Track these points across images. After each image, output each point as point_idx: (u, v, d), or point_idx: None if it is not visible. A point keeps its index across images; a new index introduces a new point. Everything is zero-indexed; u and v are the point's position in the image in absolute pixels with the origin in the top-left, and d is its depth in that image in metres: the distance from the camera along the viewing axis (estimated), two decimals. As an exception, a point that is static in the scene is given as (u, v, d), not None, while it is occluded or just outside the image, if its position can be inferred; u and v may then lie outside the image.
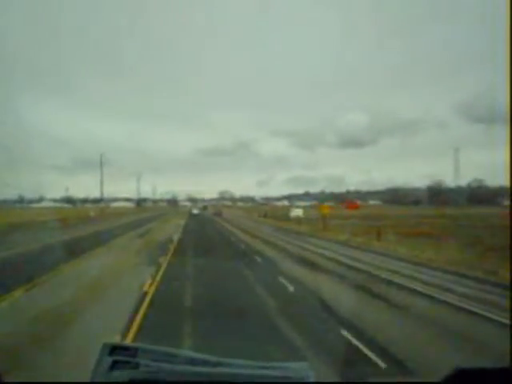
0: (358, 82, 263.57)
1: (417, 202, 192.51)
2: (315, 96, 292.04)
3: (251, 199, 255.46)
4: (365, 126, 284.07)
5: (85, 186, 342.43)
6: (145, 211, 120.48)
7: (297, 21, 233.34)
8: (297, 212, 69.30)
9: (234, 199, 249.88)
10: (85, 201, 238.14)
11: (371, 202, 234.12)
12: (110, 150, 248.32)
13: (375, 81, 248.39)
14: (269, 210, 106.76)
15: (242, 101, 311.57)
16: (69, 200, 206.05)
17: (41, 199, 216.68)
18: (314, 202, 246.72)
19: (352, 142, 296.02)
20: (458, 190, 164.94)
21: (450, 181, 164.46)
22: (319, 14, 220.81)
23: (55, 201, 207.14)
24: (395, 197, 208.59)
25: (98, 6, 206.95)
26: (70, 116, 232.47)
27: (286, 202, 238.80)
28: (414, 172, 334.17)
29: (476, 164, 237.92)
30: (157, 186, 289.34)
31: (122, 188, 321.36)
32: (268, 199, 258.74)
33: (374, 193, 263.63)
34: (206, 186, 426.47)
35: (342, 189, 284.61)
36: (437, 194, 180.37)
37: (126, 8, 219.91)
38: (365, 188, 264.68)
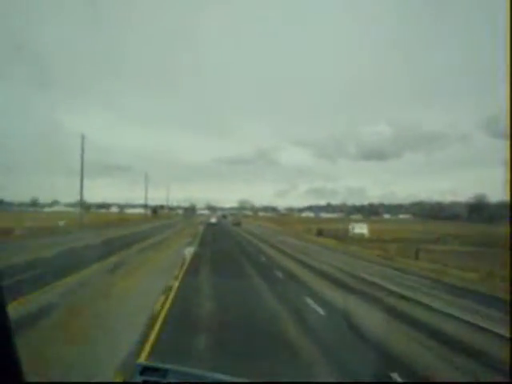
0: (382, 94, 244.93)
1: (453, 218, 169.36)
2: (338, 106, 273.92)
3: (273, 209, 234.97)
4: (387, 139, 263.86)
5: (102, 191, 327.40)
6: (157, 219, 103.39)
7: (322, 31, 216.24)
8: (360, 229, 48.86)
9: (254, 209, 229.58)
10: (100, 206, 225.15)
11: (401, 217, 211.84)
12: (131, 156, 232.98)
13: (399, 93, 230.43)
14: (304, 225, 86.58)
15: (264, 110, 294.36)
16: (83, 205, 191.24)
17: (54, 203, 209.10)
18: (339, 214, 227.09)
19: (374, 155, 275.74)
20: (498, 206, 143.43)
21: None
22: (344, 24, 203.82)
23: (69, 205, 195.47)
24: (430, 211, 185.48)
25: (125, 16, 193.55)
26: (92, 120, 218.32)
27: (310, 214, 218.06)
28: (437, 186, 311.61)
29: (500, 180, 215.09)
30: (176, 193, 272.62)
31: (141, 194, 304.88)
32: (291, 210, 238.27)
33: (398, 206, 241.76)
34: (226, 195, 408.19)
35: (362, 201, 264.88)
36: (477, 210, 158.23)
37: (140, 15, 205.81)
38: (385, 201, 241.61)
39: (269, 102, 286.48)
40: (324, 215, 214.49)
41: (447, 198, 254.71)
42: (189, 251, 25.12)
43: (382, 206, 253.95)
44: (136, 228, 55.55)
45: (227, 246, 33.19)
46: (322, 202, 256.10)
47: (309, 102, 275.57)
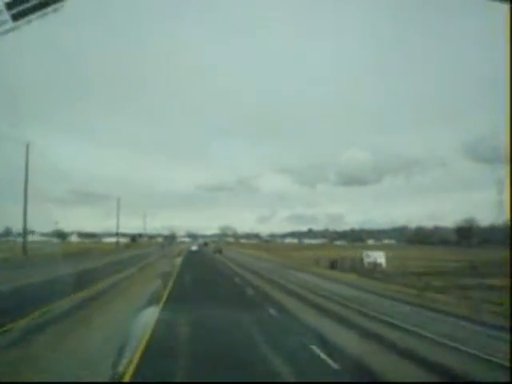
0: (361, 120, 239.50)
1: (444, 243, 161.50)
2: (318, 132, 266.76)
3: (255, 236, 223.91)
4: (366, 164, 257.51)
5: (80, 220, 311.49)
6: (130, 248, 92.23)
7: (298, 56, 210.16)
8: (378, 258, 38.77)
9: (236, 235, 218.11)
10: (78, 235, 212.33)
11: (385, 242, 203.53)
12: (109, 183, 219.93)
13: (378, 119, 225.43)
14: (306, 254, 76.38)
15: (243, 136, 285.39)
16: (59, 234, 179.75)
17: (30, 232, 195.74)
18: (322, 240, 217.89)
19: (353, 180, 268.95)
20: (490, 230, 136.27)
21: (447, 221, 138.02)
22: (320, 50, 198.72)
23: (44, 235, 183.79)
24: (415, 236, 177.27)
25: (97, 34, 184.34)
26: (68, 147, 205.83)
27: (293, 240, 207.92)
28: (418, 211, 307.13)
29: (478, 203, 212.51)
30: (156, 221, 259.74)
31: (120, 223, 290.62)
32: (274, 236, 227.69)
33: (380, 232, 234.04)
34: (207, 222, 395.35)
35: (341, 227, 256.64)
36: (467, 234, 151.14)
37: (124, 35, 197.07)
38: (365, 227, 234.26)
39: (249, 129, 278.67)
40: (307, 241, 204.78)
41: (427, 223, 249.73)
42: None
43: (364, 231, 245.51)
44: (94, 262, 42.73)
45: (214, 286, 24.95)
46: (304, 228, 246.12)
47: (288, 128, 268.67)
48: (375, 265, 37.93)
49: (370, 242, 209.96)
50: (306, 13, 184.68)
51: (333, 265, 37.87)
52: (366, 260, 38.82)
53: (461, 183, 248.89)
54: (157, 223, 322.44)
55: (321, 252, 76.12)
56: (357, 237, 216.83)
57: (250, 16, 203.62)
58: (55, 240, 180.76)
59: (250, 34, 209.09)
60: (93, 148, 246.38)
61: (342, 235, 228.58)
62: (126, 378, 8.38)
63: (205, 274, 32.39)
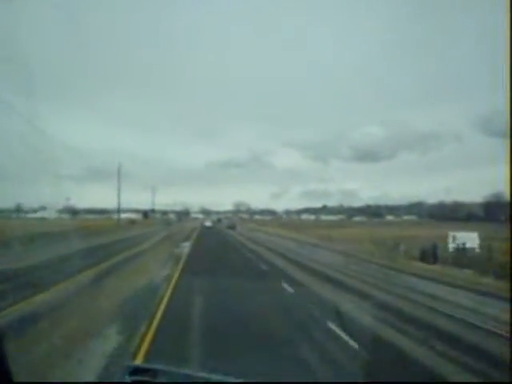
0: (374, 95, 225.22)
1: (468, 218, 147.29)
2: (331, 108, 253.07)
3: (269, 212, 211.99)
4: (380, 140, 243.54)
5: (93, 196, 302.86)
6: (138, 226, 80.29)
7: (313, 33, 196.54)
8: (466, 239, 26.24)
9: (251, 211, 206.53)
10: (89, 211, 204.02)
11: (405, 218, 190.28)
12: (123, 160, 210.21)
13: (392, 94, 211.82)
14: (332, 231, 64.05)
15: (255, 112, 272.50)
16: (71, 210, 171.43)
17: (42, 208, 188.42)
18: (339, 216, 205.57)
19: (367, 156, 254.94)
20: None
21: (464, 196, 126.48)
22: (336, 27, 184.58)
23: (58, 211, 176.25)
24: (441, 212, 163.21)
25: (114, 21, 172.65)
26: (83, 125, 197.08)
27: (311, 216, 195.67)
28: (431, 187, 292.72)
29: (492, 178, 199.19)
30: (170, 197, 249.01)
31: (133, 199, 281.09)
32: (289, 212, 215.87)
33: (397, 207, 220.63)
34: (220, 198, 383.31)
35: (354, 203, 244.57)
36: (495, 210, 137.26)
37: (127, 16, 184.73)
38: (379, 202, 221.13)
39: (261, 105, 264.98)
40: (324, 218, 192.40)
41: (443, 198, 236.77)
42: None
43: (381, 207, 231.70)
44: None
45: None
46: (317, 204, 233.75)
47: (300, 103, 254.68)
48: (463, 250, 25.77)
49: (389, 218, 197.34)
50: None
51: (424, 254, 25.22)
52: (452, 244, 26.52)
53: (475, 158, 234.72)
54: (170, 199, 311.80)
55: (362, 231, 63.36)
56: (375, 213, 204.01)
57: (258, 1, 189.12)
58: (65, 216, 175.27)
59: (262, 17, 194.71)
60: (108, 126, 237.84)
61: (360, 211, 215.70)
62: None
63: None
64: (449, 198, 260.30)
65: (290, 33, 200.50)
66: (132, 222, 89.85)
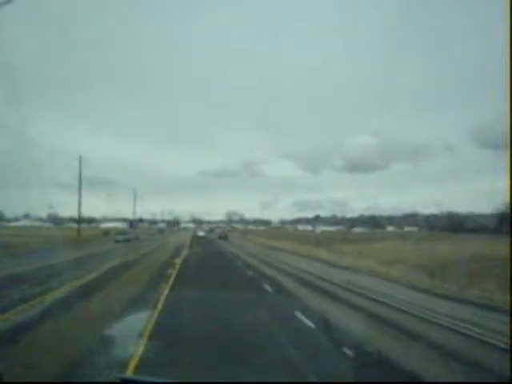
0: (366, 105, 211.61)
1: (478, 230, 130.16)
2: (323, 118, 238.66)
3: (264, 222, 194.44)
4: (372, 151, 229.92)
5: (86, 205, 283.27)
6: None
7: (307, 42, 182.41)
8: None
9: (244, 221, 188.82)
10: (76, 220, 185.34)
11: (407, 229, 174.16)
12: (114, 169, 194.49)
13: (385, 104, 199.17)
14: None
15: (248, 122, 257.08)
16: (53, 219, 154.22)
17: (26, 217, 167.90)
18: (336, 227, 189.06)
19: (358, 166, 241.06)
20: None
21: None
22: (329, 36, 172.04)
23: (40, 219, 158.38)
24: (450, 223, 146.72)
25: (106, 26, 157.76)
26: (73, 133, 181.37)
27: (308, 227, 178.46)
28: (423, 198, 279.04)
29: (484, 190, 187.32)
30: (160, 206, 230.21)
31: (123, 208, 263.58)
32: (283, 222, 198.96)
33: (389, 218, 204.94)
34: (212, 208, 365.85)
35: (347, 213, 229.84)
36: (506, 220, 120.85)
37: (126, 26, 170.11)
38: (371, 213, 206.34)
39: (253, 114, 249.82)
40: (322, 228, 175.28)
41: (435, 210, 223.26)
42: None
43: (377, 217, 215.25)
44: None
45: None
46: (308, 214, 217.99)
47: (293, 113, 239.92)
48: None
49: (390, 229, 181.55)
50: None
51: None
52: None
53: (467, 169, 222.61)
54: (161, 208, 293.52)
55: (400, 247, 47.12)
56: (376, 223, 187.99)
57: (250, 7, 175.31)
58: (47, 225, 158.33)
59: (254, 19, 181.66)
60: (98, 134, 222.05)
61: (361, 222, 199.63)
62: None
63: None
64: (443, 209, 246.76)
65: (282, 42, 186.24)
66: (106, 232, 71.76)
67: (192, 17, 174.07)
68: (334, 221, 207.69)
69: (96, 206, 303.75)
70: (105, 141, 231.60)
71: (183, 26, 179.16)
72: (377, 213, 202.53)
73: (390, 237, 75.36)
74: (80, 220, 62.53)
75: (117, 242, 50.92)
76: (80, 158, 50.02)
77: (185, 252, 34.09)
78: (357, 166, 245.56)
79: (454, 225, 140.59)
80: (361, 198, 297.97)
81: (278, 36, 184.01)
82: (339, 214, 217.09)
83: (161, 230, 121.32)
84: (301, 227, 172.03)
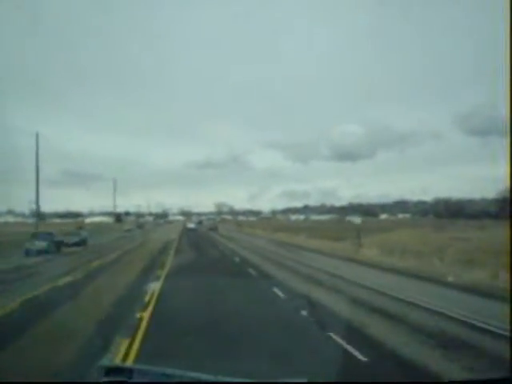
0: (353, 95, 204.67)
1: (477, 216, 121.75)
2: (309, 107, 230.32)
3: (254, 213, 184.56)
4: (359, 139, 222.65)
5: (71, 200, 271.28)
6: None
7: (292, 32, 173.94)
8: None
9: (234, 212, 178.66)
10: (61, 215, 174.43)
11: (400, 216, 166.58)
12: (100, 164, 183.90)
13: (371, 93, 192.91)
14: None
15: (234, 112, 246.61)
16: (35, 214, 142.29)
17: (9, 212, 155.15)
18: (330, 216, 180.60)
19: (346, 155, 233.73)
20: None
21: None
22: (315, 26, 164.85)
23: (21, 215, 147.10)
24: (446, 208, 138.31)
25: (93, 21, 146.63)
26: (57, 127, 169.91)
27: (300, 217, 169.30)
28: (410, 185, 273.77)
29: (471, 177, 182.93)
30: (148, 200, 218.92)
31: (110, 202, 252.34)
32: (274, 212, 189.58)
33: (378, 206, 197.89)
34: (201, 199, 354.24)
35: (335, 202, 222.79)
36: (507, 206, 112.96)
37: (107, 19, 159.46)
38: (356, 201, 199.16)
39: (239, 105, 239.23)
40: (316, 218, 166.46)
41: (421, 197, 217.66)
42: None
43: (365, 205, 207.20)
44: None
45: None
46: (298, 204, 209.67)
47: (279, 103, 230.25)
48: None
49: (383, 216, 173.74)
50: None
51: None
52: None
53: (454, 156, 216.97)
54: (149, 201, 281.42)
55: (416, 236, 38.68)
56: (369, 211, 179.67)
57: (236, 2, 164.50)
58: (30, 220, 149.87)
59: (241, 15, 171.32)
60: (84, 129, 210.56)
61: (354, 210, 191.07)
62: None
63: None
64: (430, 195, 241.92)
65: (269, 32, 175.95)
66: (79, 227, 60.70)
67: (181, 13, 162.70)
68: (323, 210, 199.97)
69: (83, 201, 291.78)
70: (92, 135, 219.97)
71: (173, 20, 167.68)
72: (364, 201, 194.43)
73: (398, 225, 65.84)
74: (39, 214, 51.60)
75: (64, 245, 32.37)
76: (37, 135, 38.88)
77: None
78: (344, 155, 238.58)
79: (451, 211, 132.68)
80: (348, 186, 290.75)
81: (263, 29, 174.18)
82: (328, 203, 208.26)
83: (140, 225, 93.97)
84: (293, 217, 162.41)
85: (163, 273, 16.59)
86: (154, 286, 13.09)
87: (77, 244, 33.84)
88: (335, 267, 19.04)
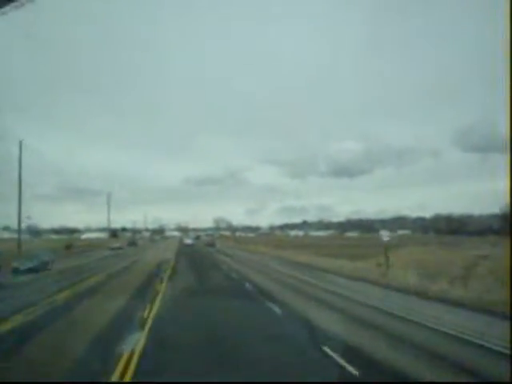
0: (351, 111, 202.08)
1: (481, 232, 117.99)
2: (307, 124, 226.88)
3: (253, 229, 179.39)
4: (356, 155, 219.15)
5: (64, 215, 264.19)
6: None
7: (289, 47, 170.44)
8: None
9: (232, 228, 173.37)
10: (57, 231, 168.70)
11: (400, 233, 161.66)
12: (96, 179, 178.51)
13: (369, 109, 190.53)
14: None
15: (231, 128, 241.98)
16: (31, 230, 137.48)
17: (6, 228, 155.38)
18: (328, 232, 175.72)
19: (343, 171, 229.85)
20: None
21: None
22: (308, 39, 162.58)
23: (15, 231, 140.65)
24: (448, 225, 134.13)
25: (89, 33, 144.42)
26: (53, 142, 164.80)
27: (300, 232, 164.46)
28: (408, 201, 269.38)
29: (469, 193, 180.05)
30: (146, 216, 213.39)
31: (105, 218, 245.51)
32: (273, 228, 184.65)
33: (375, 221, 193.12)
34: (198, 215, 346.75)
35: (332, 218, 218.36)
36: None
37: (110, 28, 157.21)
38: (354, 217, 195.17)
39: (236, 120, 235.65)
40: (315, 234, 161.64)
41: (419, 213, 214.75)
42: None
43: (360, 221, 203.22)
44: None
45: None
46: (296, 220, 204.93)
47: (276, 119, 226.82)
48: None
49: (383, 233, 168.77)
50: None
51: None
52: None
53: (452, 173, 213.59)
54: (140, 216, 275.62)
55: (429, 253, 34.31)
56: (369, 228, 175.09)
57: (237, 10, 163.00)
58: (24, 236, 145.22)
59: (236, 26, 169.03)
60: (80, 143, 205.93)
61: (351, 225, 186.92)
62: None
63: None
64: (428, 212, 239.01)
65: (266, 48, 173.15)
66: (68, 246, 55.38)
67: (176, 21, 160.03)
68: (321, 225, 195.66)
69: (80, 217, 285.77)
70: (89, 151, 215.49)
71: (169, 33, 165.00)
72: (362, 216, 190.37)
73: (404, 242, 60.68)
74: (35, 231, 46.90)
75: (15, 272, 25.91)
76: (20, 143, 34.37)
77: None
78: (342, 171, 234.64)
79: (453, 228, 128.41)
80: (346, 202, 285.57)
81: (261, 42, 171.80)
82: (325, 219, 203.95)
83: (132, 242, 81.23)
84: (292, 233, 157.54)
85: (149, 320, 11.59)
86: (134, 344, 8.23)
87: (33, 270, 26.49)
88: (389, 300, 14.27)
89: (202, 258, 40.42)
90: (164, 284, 18.88)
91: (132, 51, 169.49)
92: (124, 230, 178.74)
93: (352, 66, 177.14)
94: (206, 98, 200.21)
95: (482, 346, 8.31)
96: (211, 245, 69.86)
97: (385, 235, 26.29)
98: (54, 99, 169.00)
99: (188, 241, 77.46)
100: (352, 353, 7.67)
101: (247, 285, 18.49)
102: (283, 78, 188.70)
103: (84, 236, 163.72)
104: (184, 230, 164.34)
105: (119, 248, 61.44)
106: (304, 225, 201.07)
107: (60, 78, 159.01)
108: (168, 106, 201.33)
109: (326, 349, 7.89)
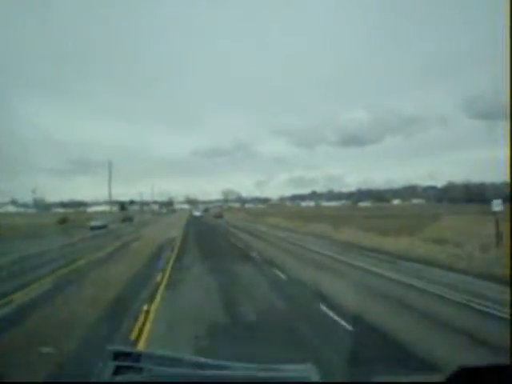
0: (359, 80, 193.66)
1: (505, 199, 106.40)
2: (315, 94, 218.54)
3: (262, 200, 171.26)
4: (366, 124, 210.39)
5: (76, 189, 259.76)
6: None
7: (297, 19, 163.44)
8: None
9: (241, 200, 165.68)
10: (65, 205, 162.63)
11: (414, 202, 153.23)
12: (105, 152, 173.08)
13: (376, 78, 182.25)
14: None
15: (239, 100, 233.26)
16: (38, 204, 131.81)
17: (13, 202, 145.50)
18: (341, 202, 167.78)
19: (352, 141, 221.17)
20: None
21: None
22: (321, 12, 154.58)
23: (26, 206, 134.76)
24: (466, 194, 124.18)
25: (93, 7, 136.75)
26: (62, 117, 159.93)
27: (311, 203, 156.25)
28: (417, 170, 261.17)
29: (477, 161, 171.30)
30: (154, 188, 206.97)
31: (114, 190, 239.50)
32: (282, 199, 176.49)
33: (385, 191, 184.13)
34: (207, 188, 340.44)
35: (342, 188, 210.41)
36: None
37: (118, 8, 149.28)
38: (364, 187, 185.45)
39: (245, 92, 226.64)
40: (326, 204, 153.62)
41: (427, 182, 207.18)
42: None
43: (386, 191, 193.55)
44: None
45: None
46: (305, 191, 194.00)
47: (285, 90, 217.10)
48: None
49: (396, 202, 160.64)
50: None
51: None
52: None
53: (461, 140, 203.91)
54: (155, 190, 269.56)
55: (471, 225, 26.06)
56: (381, 197, 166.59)
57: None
58: (30, 210, 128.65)
59: (246, 9, 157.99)
60: (89, 117, 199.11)
61: (367, 195, 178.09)
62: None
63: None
64: (438, 180, 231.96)
65: (277, 22, 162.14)
66: (63, 220, 47.40)
67: (184, 7, 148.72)
68: (330, 196, 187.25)
69: (88, 190, 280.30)
70: (96, 124, 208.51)
71: (179, 9, 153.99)
72: (371, 186, 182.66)
73: (433, 212, 51.52)
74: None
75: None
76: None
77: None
78: (351, 141, 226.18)
79: (470, 196, 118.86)
80: (355, 172, 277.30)
81: (265, 18, 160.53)
82: (335, 189, 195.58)
83: (128, 218, 67.76)
84: (303, 204, 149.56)
85: None
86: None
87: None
88: None
89: (219, 237, 31.74)
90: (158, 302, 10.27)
91: (143, 28, 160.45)
92: (132, 202, 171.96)
93: (360, 37, 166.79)
94: (215, 71, 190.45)
95: None
96: (219, 216, 70.35)
97: (497, 204, 17.57)
98: (61, 73, 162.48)
99: (197, 213, 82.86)
100: None
101: (323, 307, 9.78)
102: (292, 50, 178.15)
103: (91, 209, 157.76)
104: (193, 203, 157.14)
105: (102, 227, 45.33)
106: (313, 195, 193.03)
107: (70, 54, 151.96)
108: (178, 79, 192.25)
109: None
